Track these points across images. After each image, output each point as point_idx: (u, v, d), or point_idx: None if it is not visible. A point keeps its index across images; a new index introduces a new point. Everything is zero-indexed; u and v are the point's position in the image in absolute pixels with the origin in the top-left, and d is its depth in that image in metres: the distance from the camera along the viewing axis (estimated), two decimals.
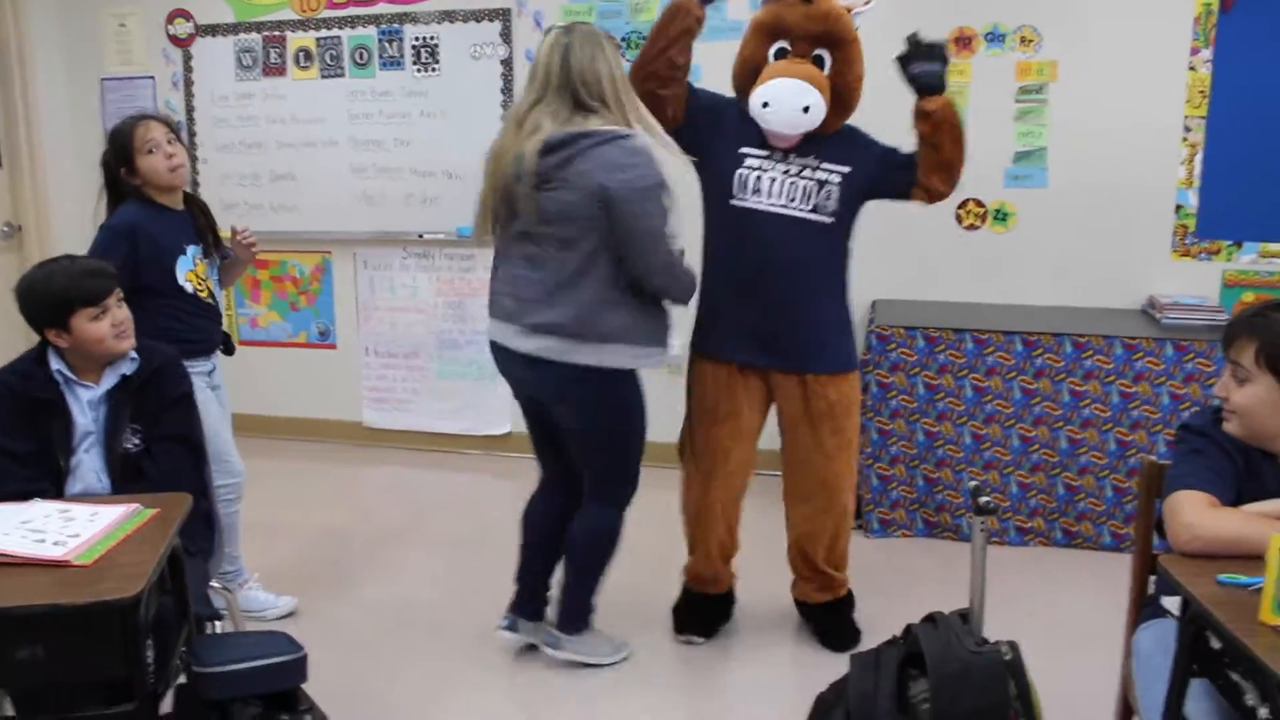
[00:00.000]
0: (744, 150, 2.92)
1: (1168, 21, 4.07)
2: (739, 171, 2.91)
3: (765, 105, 2.80)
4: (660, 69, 2.89)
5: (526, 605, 3.12)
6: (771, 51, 2.88)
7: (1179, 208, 4.17)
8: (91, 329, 2.36)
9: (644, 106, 2.74)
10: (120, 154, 2.97)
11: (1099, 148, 4.19)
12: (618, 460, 2.90)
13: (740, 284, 2.95)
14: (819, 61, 2.85)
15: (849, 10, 2.85)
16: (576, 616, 3.06)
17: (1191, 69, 4.08)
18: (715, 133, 2.96)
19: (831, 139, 2.91)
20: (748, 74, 2.90)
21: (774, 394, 3.04)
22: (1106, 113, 4.16)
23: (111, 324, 2.38)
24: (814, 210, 2.88)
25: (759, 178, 2.89)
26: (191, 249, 3.06)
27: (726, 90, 3.02)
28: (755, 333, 2.96)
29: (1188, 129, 4.12)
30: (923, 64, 2.86)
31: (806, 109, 2.78)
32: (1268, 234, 4.13)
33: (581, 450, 2.91)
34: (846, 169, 2.89)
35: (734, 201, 2.92)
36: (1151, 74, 4.10)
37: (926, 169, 2.90)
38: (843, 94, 2.86)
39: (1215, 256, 4.18)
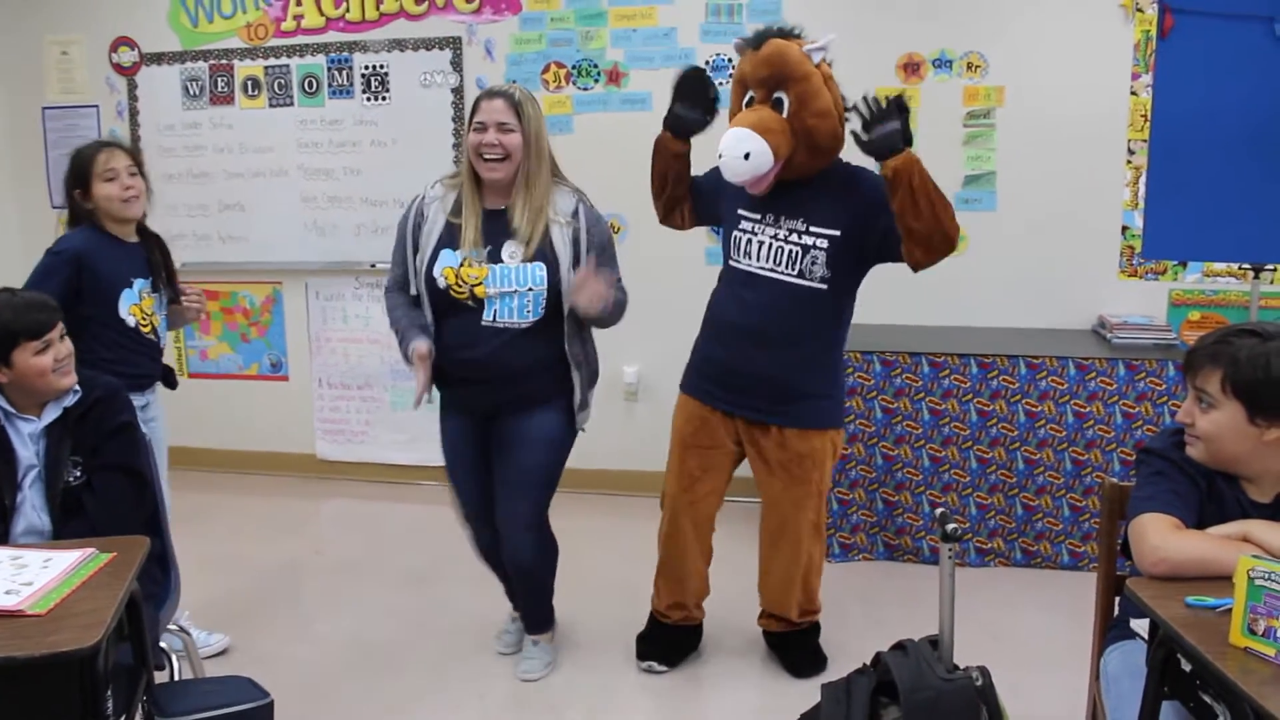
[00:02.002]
0: (740, 212, 2.93)
1: (1110, 47, 4.16)
2: (734, 233, 2.93)
3: (720, 157, 2.76)
4: (665, 205, 3.14)
5: None
6: (744, 103, 2.85)
7: (1125, 229, 4.25)
8: (35, 363, 2.30)
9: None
10: (79, 176, 2.94)
11: (1046, 171, 4.26)
12: None
13: (724, 335, 2.98)
14: (778, 104, 2.76)
15: (801, 47, 2.74)
16: None
17: (1133, 93, 4.17)
18: (720, 202, 3.02)
19: (827, 191, 2.82)
20: None
21: (742, 438, 3.04)
22: (1053, 136, 4.23)
23: (54, 359, 2.33)
24: (800, 275, 2.82)
25: (749, 240, 2.89)
26: (139, 283, 3.01)
27: None
28: (730, 383, 2.97)
29: (1131, 151, 4.20)
30: (877, 126, 2.61)
31: (746, 156, 2.69)
32: (1211, 253, 4.22)
33: None
34: (836, 232, 2.79)
35: (732, 262, 2.96)
36: (1095, 98, 4.18)
37: (904, 239, 2.69)
38: (805, 133, 2.73)
39: (1161, 276, 4.27)
